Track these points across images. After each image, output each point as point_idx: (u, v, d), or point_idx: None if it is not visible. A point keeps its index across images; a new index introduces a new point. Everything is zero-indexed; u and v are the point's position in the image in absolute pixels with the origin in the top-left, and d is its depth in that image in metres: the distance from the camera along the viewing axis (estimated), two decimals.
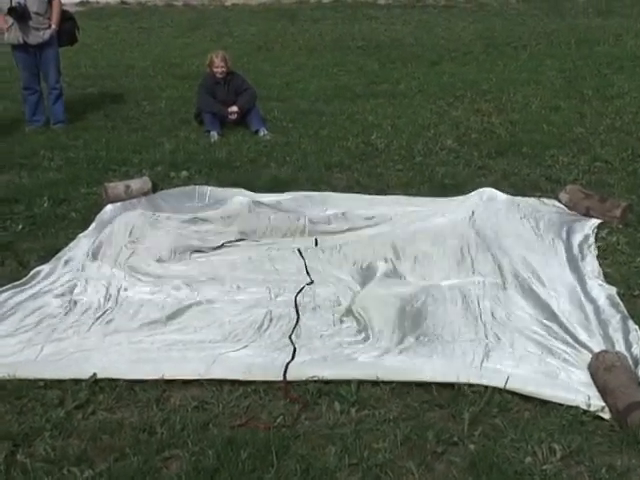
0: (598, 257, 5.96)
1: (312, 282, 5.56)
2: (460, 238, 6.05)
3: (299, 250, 6.06)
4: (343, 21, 21.20)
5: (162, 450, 3.81)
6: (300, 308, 5.14)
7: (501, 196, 6.94)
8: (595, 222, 6.56)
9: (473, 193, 7.06)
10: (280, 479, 3.59)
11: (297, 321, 4.98)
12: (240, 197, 6.84)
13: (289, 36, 18.85)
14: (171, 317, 5.06)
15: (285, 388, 4.25)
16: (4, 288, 5.49)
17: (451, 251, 5.87)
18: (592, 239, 6.25)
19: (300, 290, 5.40)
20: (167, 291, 5.41)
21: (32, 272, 5.74)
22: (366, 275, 5.59)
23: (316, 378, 4.29)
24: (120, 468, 3.67)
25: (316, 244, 6.23)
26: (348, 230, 6.47)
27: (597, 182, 7.71)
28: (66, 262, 5.91)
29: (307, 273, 5.71)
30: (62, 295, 5.37)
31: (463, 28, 19.40)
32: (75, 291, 5.43)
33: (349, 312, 5.02)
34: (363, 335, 4.78)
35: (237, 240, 6.30)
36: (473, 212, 6.59)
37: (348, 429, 3.95)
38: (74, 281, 5.57)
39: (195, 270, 5.80)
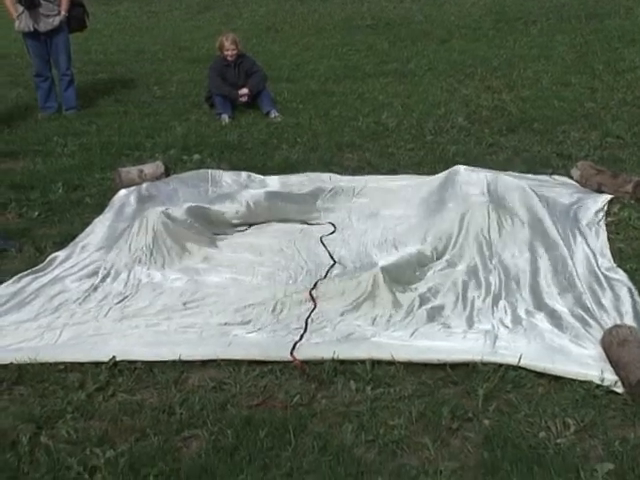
0: (610, 233, 5.95)
1: (334, 264, 5.62)
2: (482, 218, 5.95)
3: (321, 239, 6.10)
4: (352, 0, 21.12)
5: (182, 430, 3.86)
6: (318, 291, 5.17)
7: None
8: (607, 198, 6.56)
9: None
10: (298, 457, 3.64)
11: (315, 304, 5.00)
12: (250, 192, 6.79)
13: (298, 16, 18.82)
14: (189, 301, 5.11)
15: (300, 367, 4.30)
16: (23, 274, 5.55)
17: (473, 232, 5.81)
18: (602, 215, 6.25)
19: (326, 273, 5.46)
20: (188, 276, 5.47)
21: (49, 258, 5.81)
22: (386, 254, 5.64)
23: (330, 357, 4.33)
24: (141, 448, 3.73)
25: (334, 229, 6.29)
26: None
27: (609, 157, 7.70)
28: (83, 247, 5.97)
29: (330, 257, 5.76)
30: (80, 280, 5.43)
31: (473, 4, 19.29)
32: (95, 276, 5.49)
33: (369, 294, 5.03)
34: (379, 316, 4.81)
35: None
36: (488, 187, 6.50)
37: (364, 407, 3.99)
38: (93, 266, 5.63)
39: (217, 254, 5.84)
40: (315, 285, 5.21)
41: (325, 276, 5.42)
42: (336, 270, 5.51)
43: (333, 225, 6.35)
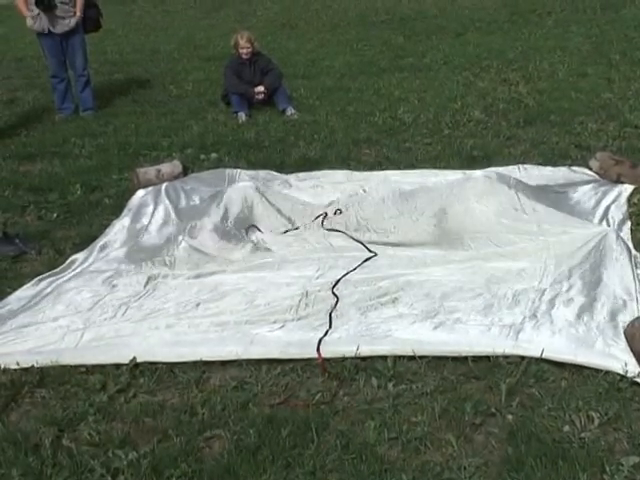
0: (632, 223, 5.93)
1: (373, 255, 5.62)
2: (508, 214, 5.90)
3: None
4: None
5: (204, 430, 3.86)
6: (340, 287, 5.14)
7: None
8: (627, 188, 6.53)
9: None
10: (320, 455, 3.63)
11: (337, 300, 4.97)
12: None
13: (312, 12, 18.83)
14: (208, 300, 5.09)
15: (322, 364, 4.29)
16: (43, 276, 5.56)
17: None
18: (625, 205, 6.23)
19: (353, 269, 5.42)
20: (207, 274, 5.47)
21: (69, 260, 5.82)
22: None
23: (352, 355, 4.32)
24: (163, 449, 3.72)
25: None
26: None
27: (627, 148, 7.67)
28: (102, 249, 5.98)
29: (366, 248, 5.74)
30: (100, 282, 5.42)
31: None
32: (114, 277, 5.48)
33: (389, 292, 5.02)
34: (399, 311, 4.80)
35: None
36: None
37: (386, 403, 3.98)
38: (112, 267, 5.63)
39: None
40: (337, 283, 5.19)
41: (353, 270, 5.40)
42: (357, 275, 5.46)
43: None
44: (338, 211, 6.29)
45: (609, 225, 5.84)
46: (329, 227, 6.10)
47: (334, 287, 5.13)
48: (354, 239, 5.88)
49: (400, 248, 5.70)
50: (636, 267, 5.08)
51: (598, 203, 6.30)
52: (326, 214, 6.27)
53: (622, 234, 5.67)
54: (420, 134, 8.63)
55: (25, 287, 5.43)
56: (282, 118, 9.64)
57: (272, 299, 5.03)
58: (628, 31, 13.80)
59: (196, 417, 3.96)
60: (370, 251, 5.65)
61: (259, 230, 6.09)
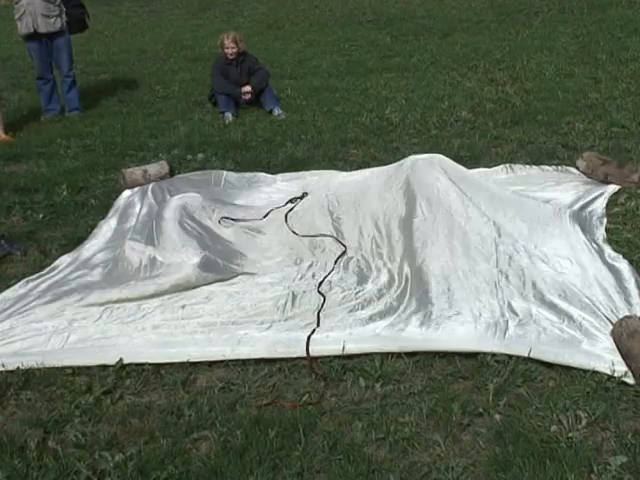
0: (617, 223, 5.94)
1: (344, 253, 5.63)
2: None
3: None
4: None
5: (191, 432, 3.84)
6: (325, 286, 5.15)
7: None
8: (613, 188, 6.54)
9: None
10: (308, 456, 3.62)
11: (324, 299, 4.98)
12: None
13: (299, 13, 18.84)
14: (193, 303, 5.05)
15: (310, 364, 4.28)
16: (30, 278, 5.54)
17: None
18: (603, 205, 6.26)
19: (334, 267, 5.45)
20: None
21: (56, 262, 5.80)
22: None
23: (339, 353, 4.31)
24: (150, 451, 3.70)
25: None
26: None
27: (614, 147, 7.69)
28: (88, 249, 5.97)
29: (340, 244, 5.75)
30: (86, 283, 5.39)
31: None
32: (100, 278, 5.46)
33: (374, 290, 5.03)
34: (386, 308, 4.80)
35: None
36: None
37: (374, 404, 3.97)
38: (98, 268, 5.62)
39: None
40: (321, 284, 5.19)
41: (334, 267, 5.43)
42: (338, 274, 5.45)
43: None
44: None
45: (586, 222, 5.89)
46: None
47: (319, 287, 5.13)
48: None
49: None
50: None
51: (585, 201, 6.31)
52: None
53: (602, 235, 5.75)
54: (407, 134, 8.64)
55: (11, 288, 5.40)
56: (269, 118, 9.64)
57: (258, 300, 5.02)
58: (615, 31, 13.85)
59: (183, 418, 3.95)
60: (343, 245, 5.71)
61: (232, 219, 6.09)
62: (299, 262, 5.58)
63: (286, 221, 6.06)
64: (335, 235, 5.86)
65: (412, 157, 6.34)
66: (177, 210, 5.91)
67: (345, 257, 5.58)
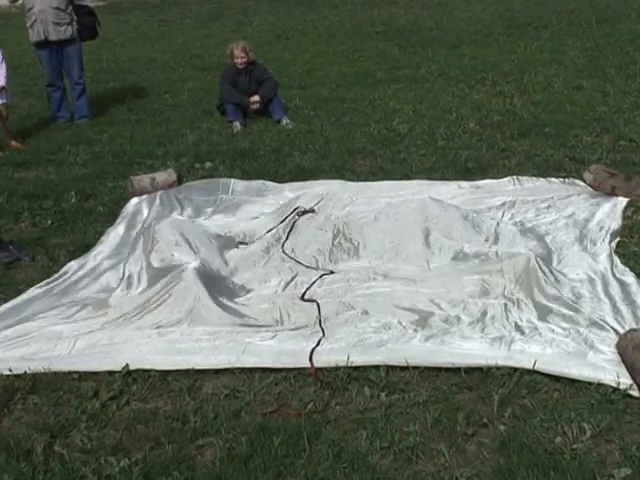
0: (624, 236, 5.95)
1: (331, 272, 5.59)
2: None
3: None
4: (362, 6, 21.22)
5: (196, 438, 3.84)
6: (322, 296, 5.17)
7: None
8: (621, 201, 6.54)
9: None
10: (312, 464, 3.62)
11: (318, 306, 5.00)
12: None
13: (308, 23, 18.89)
14: (197, 308, 5.04)
15: (314, 373, 4.28)
16: (38, 285, 5.55)
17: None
18: (612, 220, 6.24)
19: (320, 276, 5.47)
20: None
21: (64, 268, 5.82)
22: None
23: (344, 364, 4.32)
24: (155, 457, 3.71)
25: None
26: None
27: (622, 161, 7.69)
28: (96, 256, 6.00)
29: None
30: (94, 289, 5.44)
31: (483, 9, 19.35)
32: (108, 285, 5.49)
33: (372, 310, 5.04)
34: (389, 322, 4.80)
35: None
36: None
37: (378, 413, 3.97)
38: (106, 275, 5.66)
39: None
40: (304, 294, 5.25)
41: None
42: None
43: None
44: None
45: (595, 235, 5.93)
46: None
47: (303, 297, 5.19)
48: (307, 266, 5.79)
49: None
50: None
51: (593, 215, 6.31)
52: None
53: (612, 244, 5.78)
54: (415, 145, 8.65)
55: (19, 294, 5.42)
56: (277, 128, 9.66)
57: (255, 311, 5.07)
58: (623, 45, 13.85)
59: (188, 425, 3.96)
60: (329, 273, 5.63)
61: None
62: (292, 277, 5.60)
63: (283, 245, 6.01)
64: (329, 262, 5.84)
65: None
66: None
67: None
